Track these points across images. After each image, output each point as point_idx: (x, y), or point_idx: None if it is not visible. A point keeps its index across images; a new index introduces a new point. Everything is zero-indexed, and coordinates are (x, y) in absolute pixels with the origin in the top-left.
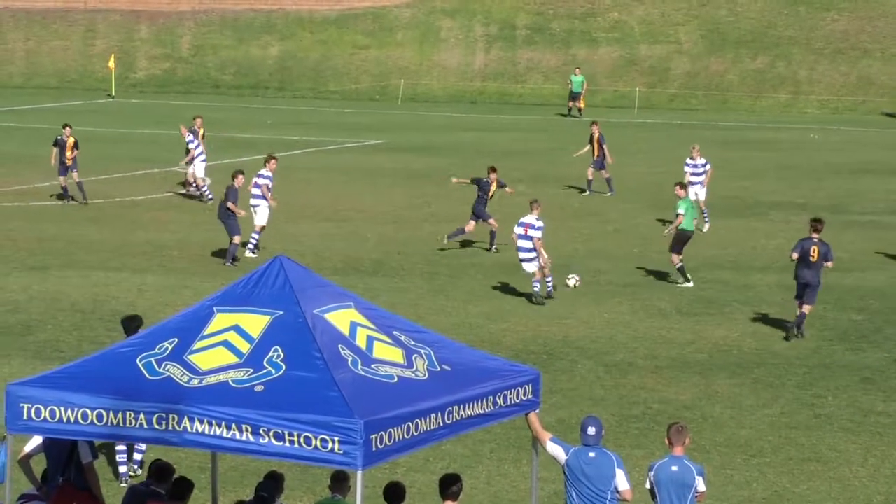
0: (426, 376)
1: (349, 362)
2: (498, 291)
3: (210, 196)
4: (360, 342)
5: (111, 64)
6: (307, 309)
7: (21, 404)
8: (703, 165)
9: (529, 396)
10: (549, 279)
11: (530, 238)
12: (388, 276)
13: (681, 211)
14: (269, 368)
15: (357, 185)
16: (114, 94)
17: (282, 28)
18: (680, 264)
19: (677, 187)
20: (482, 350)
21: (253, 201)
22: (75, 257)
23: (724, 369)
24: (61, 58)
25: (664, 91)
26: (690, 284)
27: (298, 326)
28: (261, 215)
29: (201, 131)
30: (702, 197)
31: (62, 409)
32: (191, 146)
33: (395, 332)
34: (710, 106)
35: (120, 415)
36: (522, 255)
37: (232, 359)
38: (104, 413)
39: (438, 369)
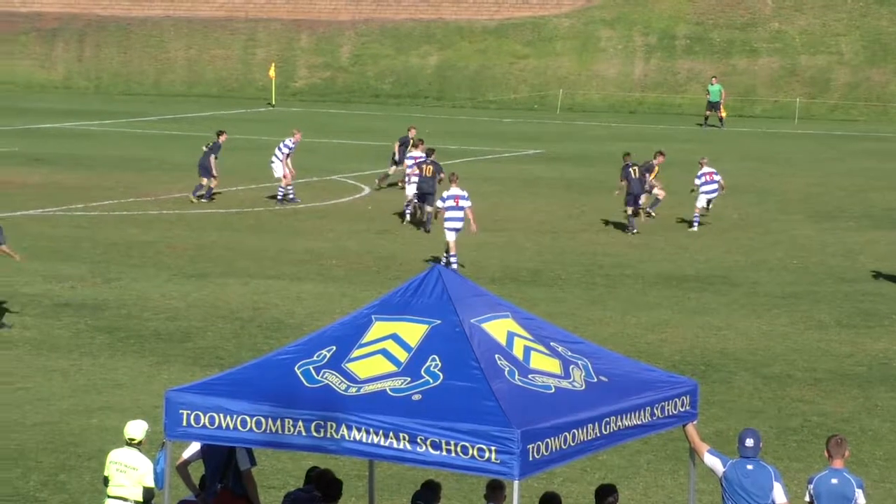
0: (583, 387)
1: (506, 372)
2: (656, 302)
3: (293, 198)
4: (517, 352)
5: (272, 73)
6: (465, 318)
7: (180, 411)
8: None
9: (687, 408)
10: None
11: (462, 209)
12: (545, 286)
13: None
14: (427, 378)
15: (514, 194)
16: (274, 102)
17: (441, 37)
18: None
19: None
20: (639, 361)
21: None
22: (234, 265)
23: (884, 382)
24: (222, 66)
25: (825, 102)
26: None
27: (456, 336)
28: (410, 188)
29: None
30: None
31: (221, 415)
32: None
33: (552, 343)
34: (871, 117)
35: (278, 422)
36: (453, 224)
37: (390, 367)
38: (262, 420)
39: (595, 380)
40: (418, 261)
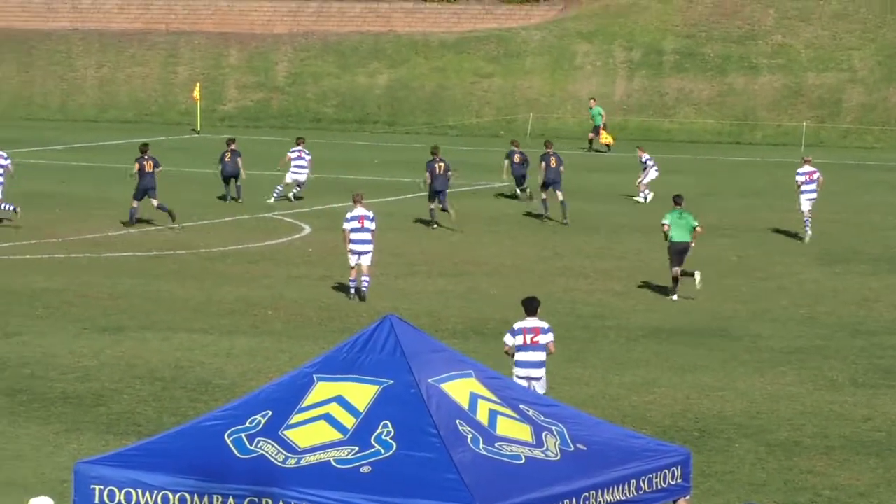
0: (558, 457)
1: (469, 440)
2: (643, 358)
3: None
4: (482, 417)
5: (196, 94)
6: (421, 378)
7: (92, 486)
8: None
9: (678, 480)
10: (368, 279)
11: (368, 230)
12: None
13: (664, 222)
14: (378, 447)
15: (477, 234)
16: (199, 128)
17: (392, 53)
18: (674, 275)
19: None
20: (624, 427)
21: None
22: (155, 317)
23: None
24: (139, 87)
25: (835, 126)
26: (674, 298)
27: (411, 398)
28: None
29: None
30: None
31: (139, 491)
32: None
33: (521, 406)
34: (888, 143)
35: (206, 499)
36: (361, 247)
37: (335, 435)
38: (187, 497)
39: (572, 449)
40: (367, 311)
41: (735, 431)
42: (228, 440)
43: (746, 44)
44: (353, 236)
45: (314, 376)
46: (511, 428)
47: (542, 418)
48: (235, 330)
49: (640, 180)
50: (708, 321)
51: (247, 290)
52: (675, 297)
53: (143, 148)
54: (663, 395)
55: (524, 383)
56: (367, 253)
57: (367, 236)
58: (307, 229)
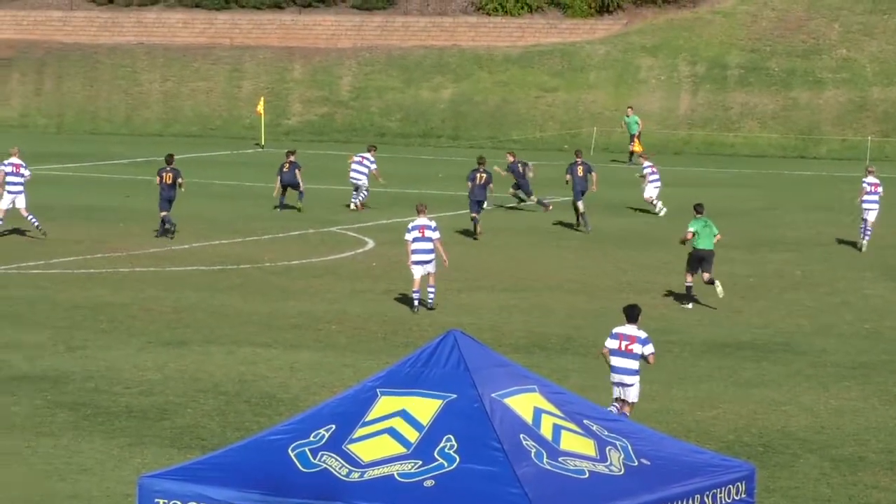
0: (622, 472)
1: (532, 454)
2: (706, 373)
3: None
4: (546, 431)
5: (260, 108)
6: (484, 392)
7: (156, 499)
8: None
9: (742, 496)
10: (433, 288)
11: (429, 239)
12: (578, 355)
13: (690, 229)
14: (441, 461)
15: (540, 248)
16: (263, 143)
17: (456, 68)
18: (688, 284)
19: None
20: (688, 442)
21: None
22: (219, 331)
23: None
24: (204, 101)
25: None
26: (689, 306)
27: (474, 412)
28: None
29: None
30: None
31: None
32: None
33: (585, 421)
34: None
35: None
36: (422, 256)
37: (398, 449)
38: None
39: (636, 463)
40: (431, 325)
41: (799, 447)
42: (292, 454)
43: (811, 58)
44: (415, 246)
45: (378, 390)
46: (575, 442)
47: (606, 433)
48: (299, 344)
49: (645, 193)
50: (772, 336)
51: (310, 305)
52: (690, 306)
53: (168, 159)
54: (727, 410)
55: (617, 389)
56: (429, 262)
57: (429, 245)
58: (371, 243)
